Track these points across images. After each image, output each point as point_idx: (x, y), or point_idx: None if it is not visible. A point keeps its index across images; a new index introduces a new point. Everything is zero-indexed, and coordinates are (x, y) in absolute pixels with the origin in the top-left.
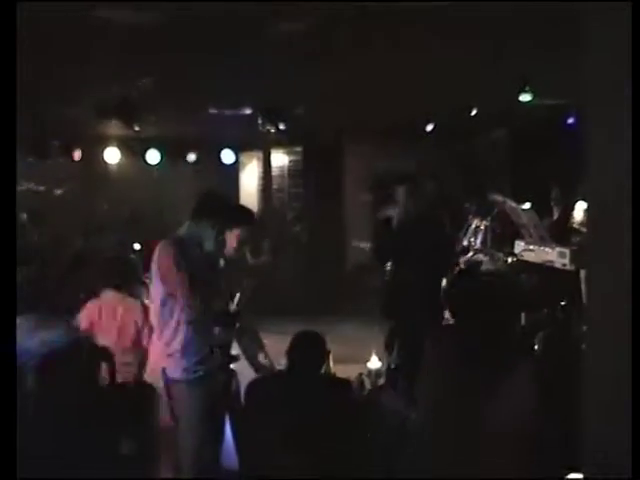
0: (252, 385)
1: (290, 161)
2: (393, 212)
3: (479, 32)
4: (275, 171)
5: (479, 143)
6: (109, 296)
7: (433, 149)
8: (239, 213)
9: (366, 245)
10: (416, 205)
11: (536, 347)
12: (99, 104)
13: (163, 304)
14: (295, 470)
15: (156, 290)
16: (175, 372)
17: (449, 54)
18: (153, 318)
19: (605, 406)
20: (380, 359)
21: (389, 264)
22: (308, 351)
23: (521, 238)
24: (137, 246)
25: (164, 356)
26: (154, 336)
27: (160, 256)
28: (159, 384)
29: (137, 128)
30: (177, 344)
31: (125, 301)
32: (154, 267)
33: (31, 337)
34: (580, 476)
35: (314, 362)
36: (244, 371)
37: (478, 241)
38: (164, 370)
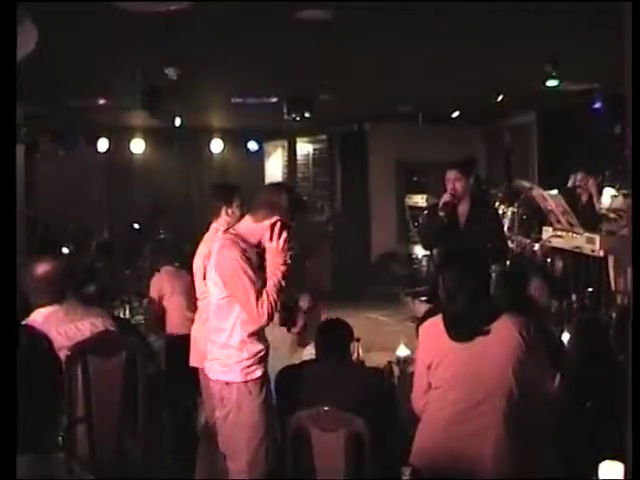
0: (281, 374)
1: (315, 149)
2: (447, 197)
3: (505, 17)
4: (300, 160)
5: (505, 129)
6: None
7: (458, 135)
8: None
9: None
10: (465, 189)
11: (566, 334)
12: (124, 95)
13: (221, 305)
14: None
15: (214, 291)
16: (231, 373)
17: (474, 40)
18: (210, 316)
19: None
20: (408, 347)
21: (434, 250)
22: (335, 339)
23: (549, 224)
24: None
25: (218, 356)
26: (209, 334)
27: (223, 256)
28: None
29: (162, 118)
30: (234, 344)
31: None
32: (214, 264)
33: (61, 326)
34: (617, 463)
35: (342, 350)
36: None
37: (505, 227)
38: (212, 370)
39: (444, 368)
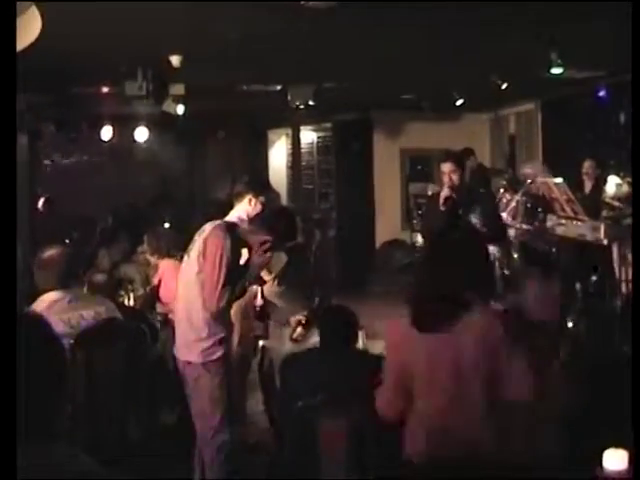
0: (285, 362)
1: (319, 137)
2: (447, 192)
3: (509, 4)
4: (304, 148)
5: (509, 117)
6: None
7: (463, 123)
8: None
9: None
10: (462, 179)
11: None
12: (128, 82)
13: (195, 280)
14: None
15: (190, 267)
16: (192, 354)
17: (479, 27)
18: (181, 287)
19: None
20: None
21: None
22: (339, 327)
23: (553, 212)
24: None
25: (182, 332)
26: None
27: (210, 237)
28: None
29: (166, 106)
30: (197, 320)
31: None
32: (199, 245)
33: (64, 314)
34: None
35: (345, 337)
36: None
37: (509, 216)
38: (178, 350)
39: (417, 362)
